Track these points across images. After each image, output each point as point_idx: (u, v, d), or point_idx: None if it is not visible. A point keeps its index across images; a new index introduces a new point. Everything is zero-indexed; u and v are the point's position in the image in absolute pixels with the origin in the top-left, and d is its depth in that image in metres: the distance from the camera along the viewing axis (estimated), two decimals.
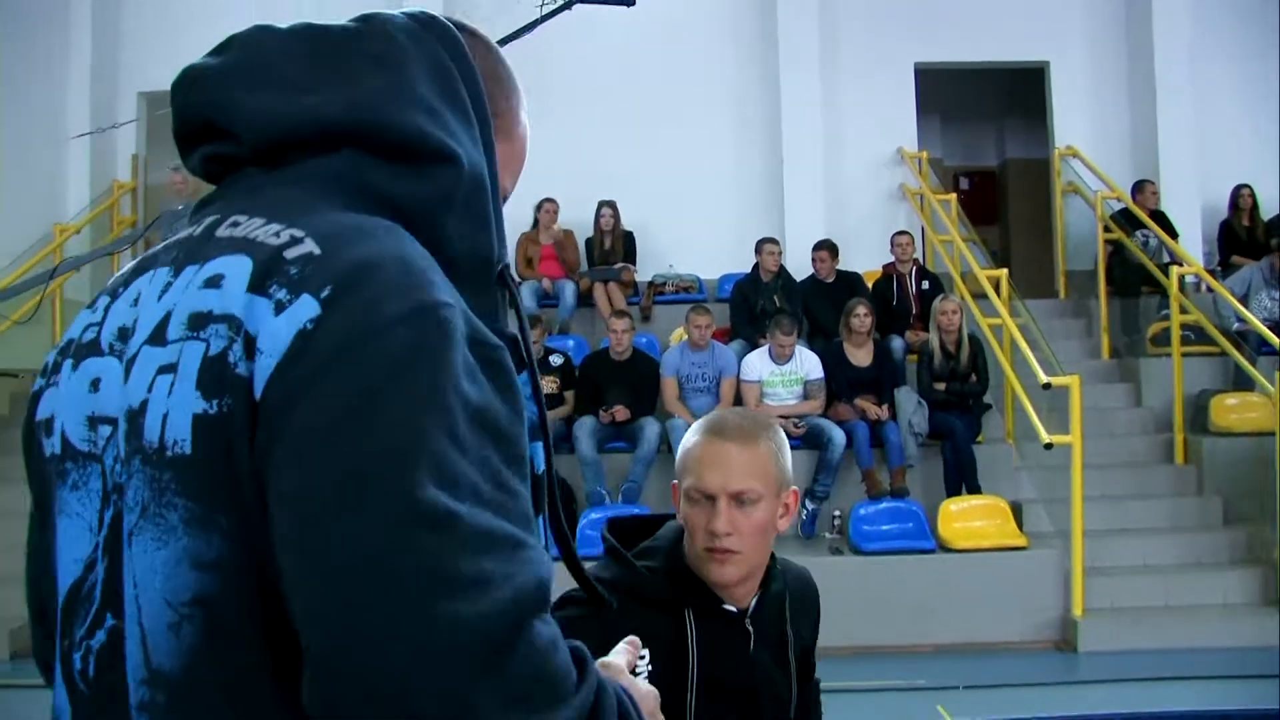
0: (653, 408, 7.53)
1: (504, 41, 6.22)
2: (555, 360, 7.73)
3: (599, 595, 1.41)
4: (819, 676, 2.03)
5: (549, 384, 7.64)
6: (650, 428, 7.23)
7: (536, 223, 9.32)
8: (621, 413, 7.31)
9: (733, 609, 1.83)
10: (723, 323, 8.41)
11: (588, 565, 1.73)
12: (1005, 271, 8.21)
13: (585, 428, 7.23)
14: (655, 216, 9.51)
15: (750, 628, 1.84)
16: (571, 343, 8.66)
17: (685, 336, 7.68)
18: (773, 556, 1.90)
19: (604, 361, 7.67)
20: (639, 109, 9.63)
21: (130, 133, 9.97)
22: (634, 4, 4.89)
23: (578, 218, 9.31)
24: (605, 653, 1.53)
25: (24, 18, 9.41)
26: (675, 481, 1.84)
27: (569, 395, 7.67)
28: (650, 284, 9.31)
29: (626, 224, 9.31)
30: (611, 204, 9.17)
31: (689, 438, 1.84)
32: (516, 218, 9.38)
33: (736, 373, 7.48)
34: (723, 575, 1.78)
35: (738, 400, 7.42)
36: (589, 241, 9.33)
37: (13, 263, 8.48)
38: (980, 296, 7.93)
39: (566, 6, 4.81)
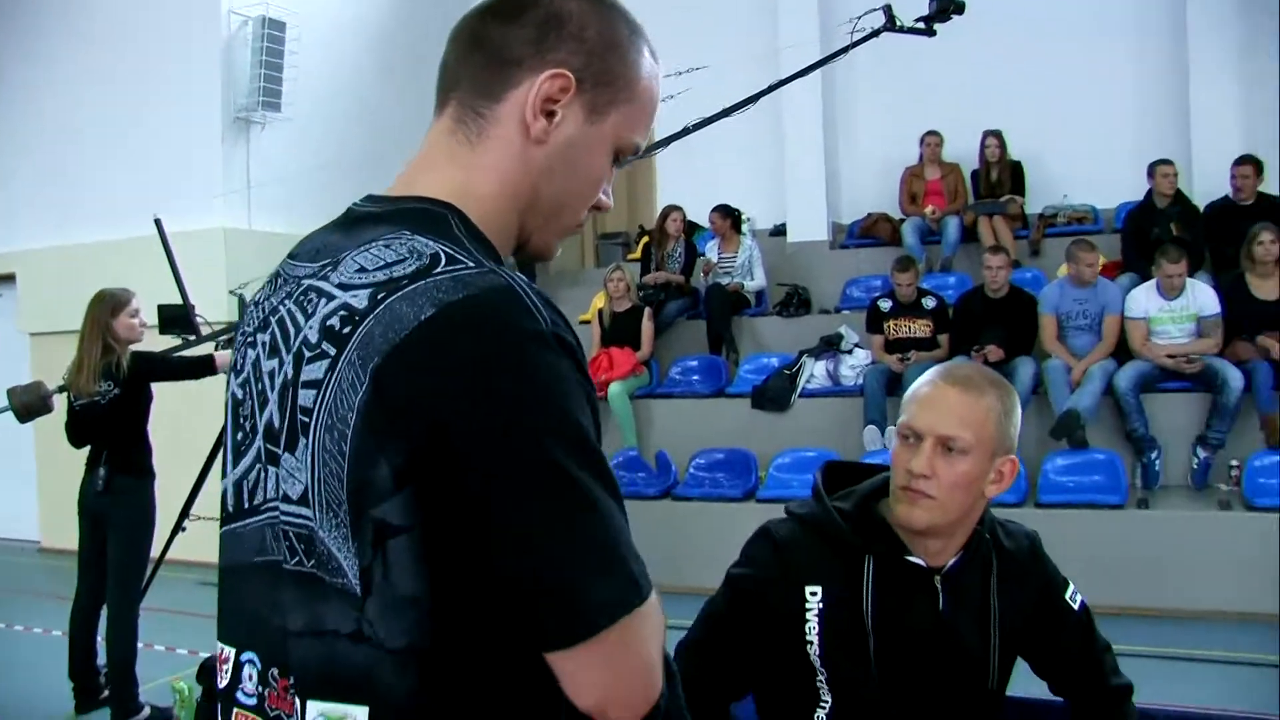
0: (1030, 348, 7.26)
1: (819, 64, 6.48)
2: (928, 303, 7.65)
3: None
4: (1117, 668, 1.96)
5: (921, 328, 7.58)
6: (1024, 368, 6.99)
7: (921, 156, 9.18)
8: (994, 353, 7.10)
9: (919, 562, 1.79)
10: (1118, 255, 7.88)
11: (791, 502, 1.92)
12: None
13: None
14: (1046, 144, 8.99)
15: (939, 586, 1.81)
16: (953, 280, 8.50)
17: (1068, 271, 7.29)
18: (986, 521, 1.86)
19: (979, 299, 7.47)
20: (1024, 28, 9.08)
21: None
22: (935, 34, 5.12)
23: (963, 149, 9.03)
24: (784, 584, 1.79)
25: None
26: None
27: (943, 339, 7.56)
28: (1041, 216, 8.85)
29: (1015, 153, 8.90)
30: (997, 133, 8.79)
31: (920, 379, 1.84)
32: (899, 153, 9.28)
33: (1121, 310, 7.02)
34: (909, 516, 1.76)
35: (1122, 339, 6.97)
36: (975, 174, 9.03)
37: None
38: None
39: (875, 34, 5.15)
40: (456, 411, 0.91)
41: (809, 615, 1.79)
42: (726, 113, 7.11)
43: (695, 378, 8.41)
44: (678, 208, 9.29)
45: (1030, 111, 8.95)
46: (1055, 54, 9.03)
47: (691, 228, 9.54)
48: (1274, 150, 7.83)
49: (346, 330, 0.97)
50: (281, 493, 1.02)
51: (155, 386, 4.98)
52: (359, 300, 0.98)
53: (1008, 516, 1.96)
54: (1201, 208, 7.76)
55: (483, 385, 0.91)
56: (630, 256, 10.31)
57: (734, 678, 1.91)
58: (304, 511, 0.99)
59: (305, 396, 0.99)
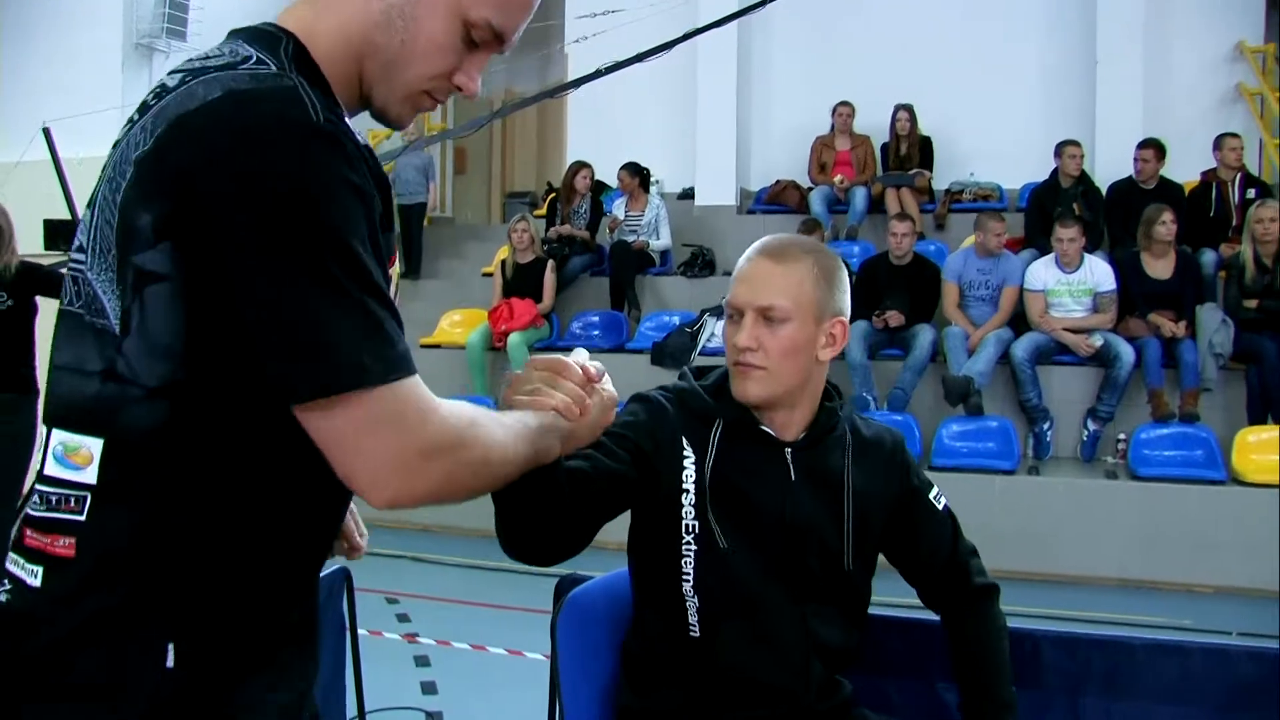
0: (930, 314, 7.29)
1: (737, 15, 6.34)
2: None
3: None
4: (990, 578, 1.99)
5: None
6: (924, 335, 7.01)
7: (832, 127, 9.18)
8: (895, 318, 7.11)
9: (770, 432, 1.82)
10: (1021, 233, 7.97)
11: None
12: None
13: (857, 332, 7.09)
14: (955, 121, 9.08)
15: (789, 459, 1.82)
16: (857, 249, 8.51)
17: (974, 241, 7.33)
18: (834, 397, 1.89)
19: (883, 265, 7.46)
20: (941, 6, 9.18)
21: None
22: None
23: (874, 122, 9.04)
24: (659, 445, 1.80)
25: None
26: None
27: None
28: (947, 191, 8.93)
29: (925, 128, 8.95)
30: (909, 107, 8.83)
31: (741, 256, 1.84)
32: (811, 122, 9.27)
33: (1020, 282, 7.08)
34: (744, 390, 1.78)
35: (1020, 311, 7.04)
36: (884, 146, 9.06)
37: None
38: None
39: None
40: (211, 178, 1.01)
41: (686, 463, 1.79)
42: (640, 57, 7.00)
43: (595, 332, 8.30)
44: (586, 164, 9.15)
45: (942, 88, 9.02)
46: (969, 33, 9.15)
47: (599, 188, 9.42)
48: (1176, 135, 7.98)
49: (153, 101, 1.10)
50: (76, 243, 1.13)
51: (40, 301, 4.74)
52: (172, 81, 1.10)
53: None
54: (1104, 189, 7.87)
55: (239, 158, 1.01)
56: (536, 213, 10.13)
57: (603, 492, 1.68)
58: (81, 256, 1.11)
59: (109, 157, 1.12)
